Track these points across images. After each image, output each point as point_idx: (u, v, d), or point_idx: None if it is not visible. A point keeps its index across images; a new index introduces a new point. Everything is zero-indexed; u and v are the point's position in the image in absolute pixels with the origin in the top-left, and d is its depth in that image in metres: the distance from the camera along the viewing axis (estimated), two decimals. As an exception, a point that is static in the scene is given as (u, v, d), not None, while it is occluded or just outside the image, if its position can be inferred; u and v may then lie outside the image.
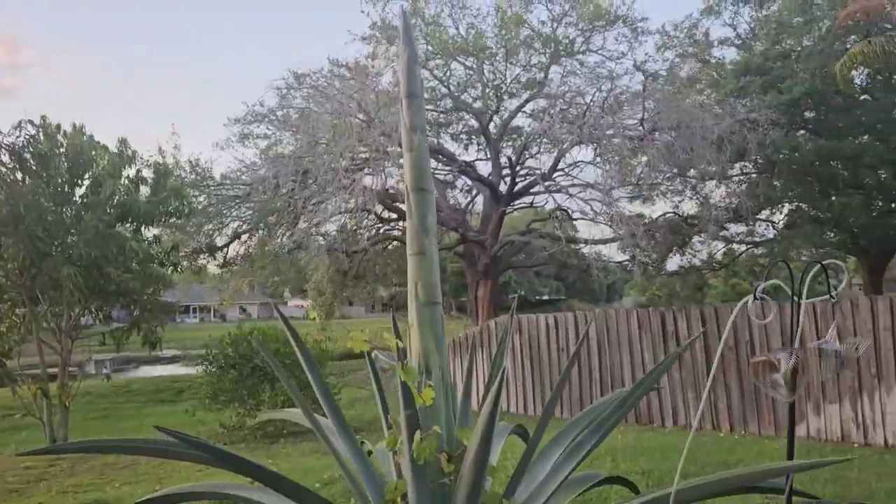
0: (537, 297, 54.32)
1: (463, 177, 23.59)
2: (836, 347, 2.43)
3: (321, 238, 17.54)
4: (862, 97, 22.18)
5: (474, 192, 25.12)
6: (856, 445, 9.08)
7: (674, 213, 23.22)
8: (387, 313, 40.41)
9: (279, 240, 19.77)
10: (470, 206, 24.46)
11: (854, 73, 16.89)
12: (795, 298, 2.76)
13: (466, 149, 25.08)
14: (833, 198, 22.06)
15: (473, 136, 24.66)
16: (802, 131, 21.68)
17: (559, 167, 20.87)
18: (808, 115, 20.73)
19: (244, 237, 19.45)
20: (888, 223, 25.48)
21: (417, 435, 2.37)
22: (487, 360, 13.66)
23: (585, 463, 3.09)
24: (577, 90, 20.21)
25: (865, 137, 21.97)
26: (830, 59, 21.16)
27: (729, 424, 10.38)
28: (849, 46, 21.16)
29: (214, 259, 19.79)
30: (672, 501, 2.09)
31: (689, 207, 24.15)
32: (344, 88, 18.97)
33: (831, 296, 2.61)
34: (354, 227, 19.29)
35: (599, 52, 21.57)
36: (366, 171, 18.57)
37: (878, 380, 9.02)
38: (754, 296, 2.57)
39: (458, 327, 36.29)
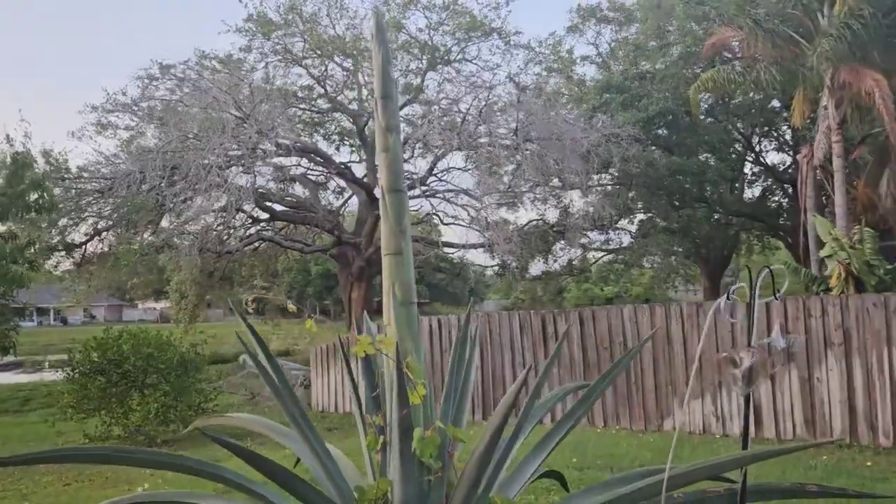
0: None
1: (335, 178, 23.39)
2: (782, 344, 2.71)
3: (190, 237, 16.73)
4: (707, 119, 24.30)
5: (346, 193, 24.98)
6: (717, 436, 9.96)
7: (540, 220, 24.26)
8: (253, 317, 39.06)
9: (142, 238, 18.65)
10: (343, 208, 24.28)
11: (701, 96, 18.43)
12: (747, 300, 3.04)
13: (338, 149, 24.91)
14: (681, 210, 23.96)
15: (346, 138, 24.53)
16: (655, 147, 23.39)
17: (434, 172, 21.20)
18: (661, 132, 22.37)
19: (104, 234, 18.16)
20: (725, 234, 28.06)
21: (418, 431, 2.41)
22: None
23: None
24: (454, 98, 20.63)
25: (709, 156, 24.10)
26: (681, 82, 23.05)
27: (603, 420, 11.02)
28: (697, 71, 23.16)
29: (71, 257, 18.32)
30: (665, 487, 2.27)
31: (553, 215, 25.39)
32: (216, 82, 18.25)
33: (776, 297, 2.90)
34: (223, 227, 18.59)
35: (474, 61, 22.16)
36: (239, 168, 17.98)
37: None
38: (727, 296, 2.82)
39: (327, 332, 35.84)
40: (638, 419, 10.76)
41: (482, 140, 19.89)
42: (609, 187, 23.64)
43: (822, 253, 11.02)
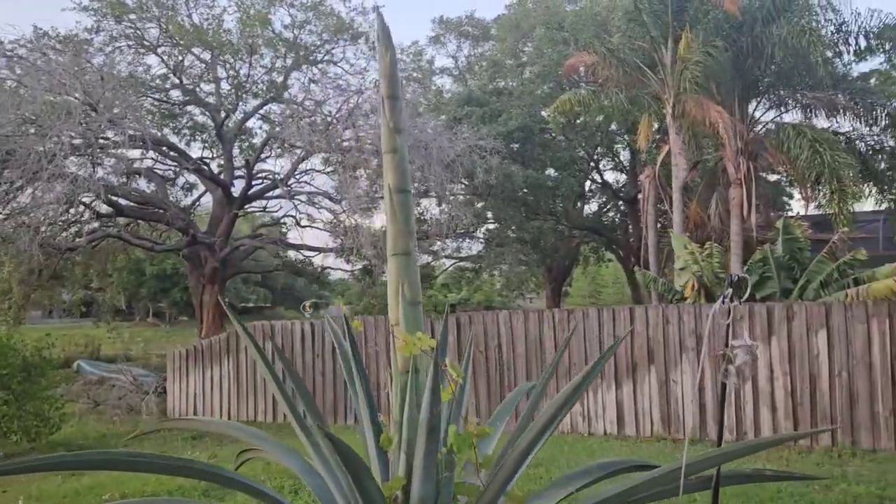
0: (243, 305, 52.59)
1: (187, 174, 22.22)
2: (749, 343, 3.03)
3: (29, 231, 15.13)
4: (557, 138, 25.74)
5: (196, 190, 23.80)
6: (584, 435, 10.63)
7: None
8: (82, 319, 35.91)
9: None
10: (195, 206, 23.10)
11: (554, 115, 19.58)
12: (722, 304, 3.34)
13: (189, 144, 23.68)
14: (532, 221, 25.17)
15: (198, 132, 23.38)
16: (510, 161, 24.44)
17: (296, 173, 20.76)
18: (518, 147, 23.39)
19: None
20: (567, 246, 29.84)
21: (454, 428, 2.45)
22: (234, 370, 13.13)
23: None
24: (319, 99, 20.34)
25: (560, 172, 25.52)
26: (536, 100, 24.28)
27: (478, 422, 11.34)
28: (548, 90, 24.56)
29: None
30: (683, 474, 2.48)
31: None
32: (60, 63, 16.73)
33: (739, 302, 3.23)
34: (65, 221, 17.07)
35: (339, 64, 22.00)
36: (83, 158, 16.61)
37: (600, 378, 10.66)
38: (723, 300, 3.09)
39: (177, 336, 33.74)
40: (512, 419, 11.17)
41: (346, 143, 19.77)
42: (463, 197, 24.33)
43: (677, 265, 12.12)
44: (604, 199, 32.06)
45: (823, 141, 15.72)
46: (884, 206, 19.47)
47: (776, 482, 6.65)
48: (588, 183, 29.87)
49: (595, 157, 29.07)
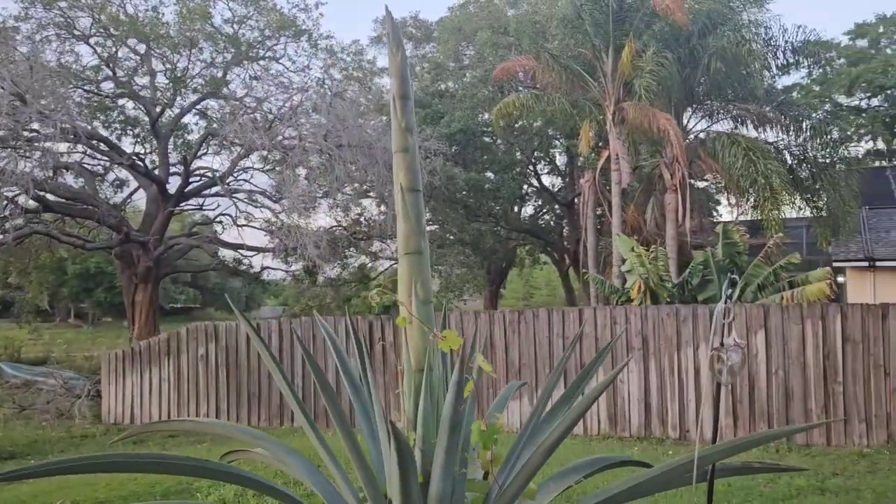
0: (171, 305, 51.01)
1: (120, 169, 21.42)
2: (740, 343, 3.17)
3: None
4: (497, 141, 26.02)
5: (127, 187, 22.96)
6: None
7: (339, 225, 24.28)
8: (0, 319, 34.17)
9: None
10: (126, 203, 22.29)
11: (500, 118, 19.77)
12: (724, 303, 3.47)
13: (119, 139, 22.83)
14: (473, 224, 25.35)
15: (130, 127, 22.57)
16: (452, 163, 24.58)
17: (234, 171, 20.32)
18: (461, 149, 23.53)
19: None
20: (505, 248, 30.18)
21: (478, 424, 2.48)
22: (174, 373, 12.75)
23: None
24: (260, 96, 19.99)
25: (500, 175, 25.79)
26: (477, 103, 24.50)
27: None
28: (487, 94, 24.80)
29: None
30: (695, 466, 2.57)
31: (349, 222, 25.53)
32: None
33: (729, 300, 3.36)
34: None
35: (280, 61, 21.66)
36: (11, 151, 15.84)
37: (536, 380, 10.84)
38: (725, 299, 3.20)
39: (106, 337, 32.45)
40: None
41: (287, 142, 19.48)
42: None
43: (624, 268, 12.45)
44: (540, 203, 32.58)
45: (756, 150, 16.45)
46: (807, 213, 20.48)
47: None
48: (525, 186, 30.30)
49: (533, 160, 29.50)
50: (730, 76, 18.69)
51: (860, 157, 27.65)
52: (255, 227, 21.42)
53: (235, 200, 19.70)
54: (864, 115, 27.27)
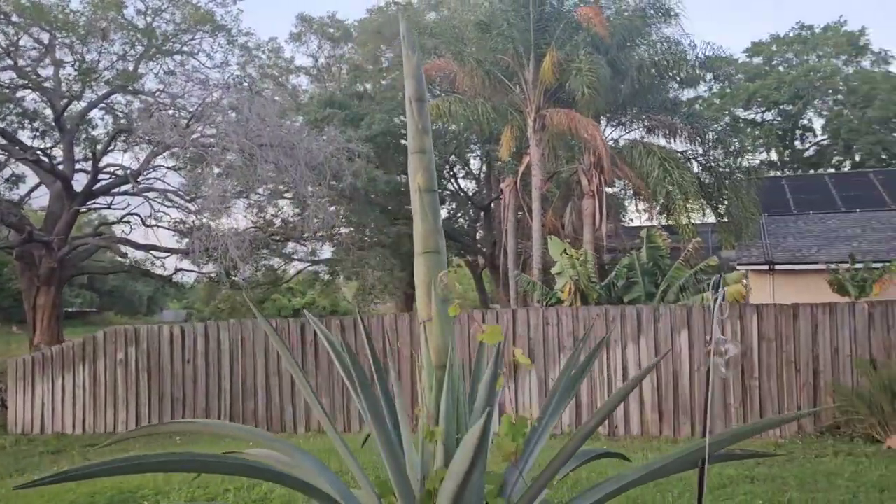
0: (65, 309, 48.25)
1: (13, 164, 20.14)
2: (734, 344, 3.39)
3: None
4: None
5: (24, 183, 21.61)
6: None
7: (255, 226, 23.73)
8: None
9: None
10: (25, 200, 20.97)
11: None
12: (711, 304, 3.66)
13: (16, 132, 21.47)
14: (392, 227, 25.35)
15: (29, 120, 21.27)
16: (372, 165, 24.51)
17: (147, 169, 19.52)
18: (381, 151, 23.49)
19: None
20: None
21: (508, 417, 2.55)
22: (90, 379, 12.13)
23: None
24: (175, 92, 19.29)
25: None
26: (397, 105, 24.53)
27: (359, 424, 11.32)
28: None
29: None
30: (707, 453, 2.74)
31: (263, 222, 25.01)
32: None
33: (716, 300, 3.56)
34: None
35: (196, 56, 20.99)
36: None
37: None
38: (714, 301, 3.38)
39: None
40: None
41: (204, 140, 18.90)
42: (327, 199, 24.08)
43: (554, 270, 12.80)
44: (455, 206, 32.94)
45: (671, 160, 17.29)
46: (711, 218, 21.68)
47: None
48: (442, 189, 30.59)
49: (449, 164, 29.82)
50: (645, 88, 19.57)
51: (755, 167, 29.53)
52: (165, 228, 20.63)
53: (148, 200, 18.87)
54: (760, 127, 29.12)
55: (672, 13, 19.66)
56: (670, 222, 18.23)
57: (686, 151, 20.97)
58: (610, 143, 20.22)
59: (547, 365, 10.79)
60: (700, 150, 21.68)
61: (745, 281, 11.77)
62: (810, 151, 32.52)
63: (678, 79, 20.95)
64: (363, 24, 28.10)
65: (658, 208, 21.39)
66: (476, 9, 25.74)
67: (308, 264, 31.07)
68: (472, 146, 29.02)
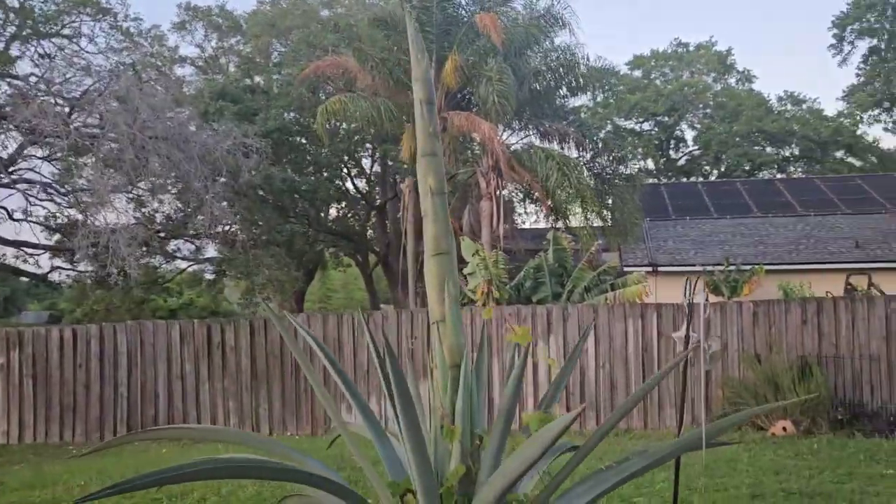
0: None
1: None
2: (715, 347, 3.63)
3: None
4: (315, 141, 25.68)
5: None
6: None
7: (138, 222, 22.50)
8: None
9: None
10: None
11: (323, 119, 19.59)
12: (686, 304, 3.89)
13: None
14: (286, 225, 24.80)
15: None
16: (268, 162, 23.87)
17: (19, 159, 18.10)
18: (276, 148, 22.91)
19: None
20: (313, 250, 29.87)
21: (538, 414, 2.65)
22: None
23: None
24: (52, 78, 17.99)
25: (308, 175, 25.52)
26: (293, 101, 24.06)
27: (269, 427, 11.08)
28: (306, 93, 24.48)
29: None
30: (704, 440, 2.95)
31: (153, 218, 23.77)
32: None
33: (689, 303, 3.82)
34: None
35: (76, 41, 19.65)
36: None
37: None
38: (689, 300, 3.61)
39: None
40: (305, 425, 11.12)
41: (86, 130, 17.75)
42: (221, 195, 23.23)
43: (466, 270, 13.01)
44: (343, 205, 32.59)
45: (568, 164, 18.00)
46: (597, 223, 22.72)
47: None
48: (335, 189, 30.23)
49: (345, 163, 29.51)
50: (539, 95, 20.26)
51: (634, 174, 31.26)
52: (36, 223, 19.16)
53: (23, 192, 17.48)
54: (639, 137, 30.85)
55: (564, 24, 20.43)
56: (569, 225, 18.97)
57: (579, 157, 21.89)
58: (511, 146, 20.79)
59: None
60: (587, 157, 22.71)
61: (645, 282, 12.48)
62: (682, 161, 34.85)
63: (570, 87, 21.74)
64: (255, 15, 27.29)
65: (554, 211, 22.12)
66: (373, 7, 25.71)
67: (192, 263, 29.83)
68: (364, 145, 28.85)
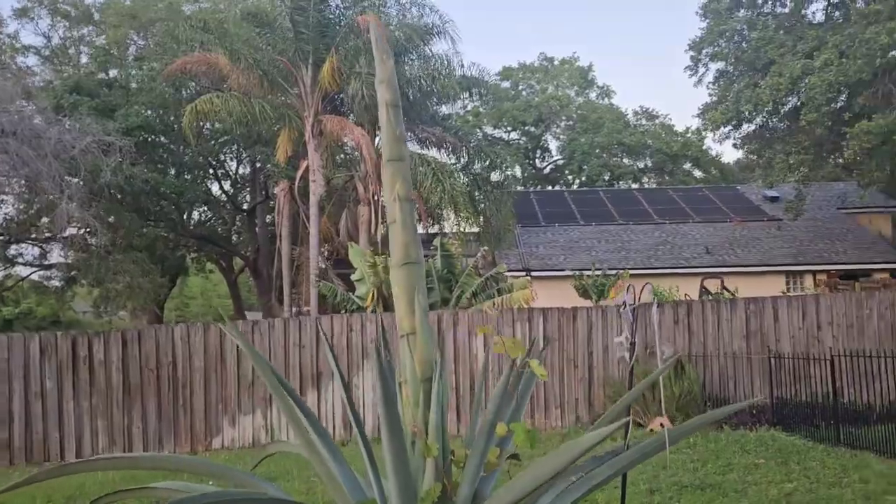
0: None
1: None
2: (668, 353, 3.75)
3: None
4: (180, 141, 24.33)
5: None
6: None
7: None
8: None
9: None
10: None
11: (192, 118, 18.59)
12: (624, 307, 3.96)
13: None
14: (146, 228, 23.31)
15: None
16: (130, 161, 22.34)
17: None
18: (140, 146, 21.51)
19: None
20: (174, 255, 28.32)
21: (521, 425, 2.59)
22: None
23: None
24: None
25: (173, 176, 24.16)
26: (159, 98, 22.73)
27: (143, 446, 10.34)
28: (171, 90, 23.18)
29: None
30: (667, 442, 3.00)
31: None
32: None
33: (627, 306, 3.92)
34: None
35: None
36: None
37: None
38: (624, 305, 3.68)
39: None
40: (185, 441, 10.47)
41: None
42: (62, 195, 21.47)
43: (355, 277, 12.73)
44: (206, 208, 31.09)
45: (443, 171, 18.18)
46: (476, 229, 23.14)
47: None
48: (203, 191, 28.82)
49: (214, 164, 28.19)
50: (417, 100, 20.34)
51: (503, 181, 32.15)
52: None
53: None
54: (508, 145, 31.70)
55: (442, 31, 20.67)
56: (443, 230, 19.15)
57: (455, 163, 22.19)
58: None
59: (351, 371, 10.78)
60: (462, 163, 23.09)
61: (531, 287, 12.81)
62: (548, 169, 36.28)
63: (444, 94, 21.96)
64: (111, 5, 25.46)
65: (430, 217, 22.26)
66: (241, 3, 24.75)
67: (36, 269, 27.37)
68: (231, 147, 27.69)
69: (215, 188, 29.35)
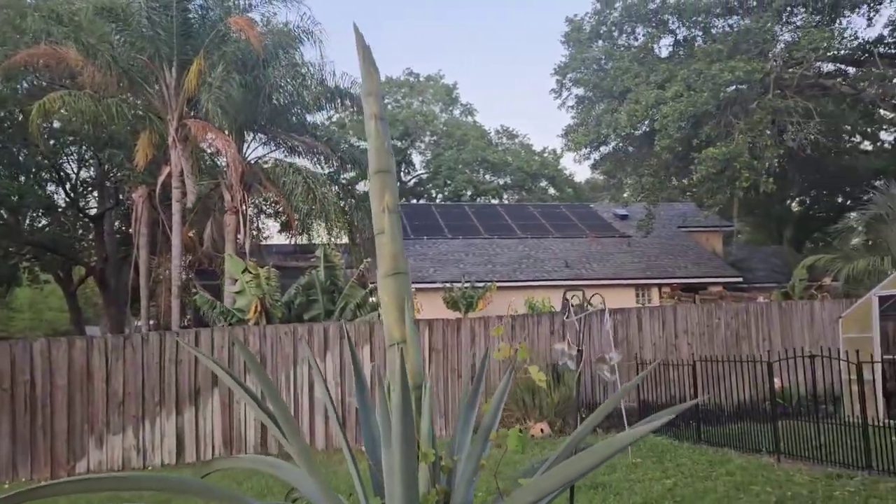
0: None
1: None
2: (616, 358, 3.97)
3: None
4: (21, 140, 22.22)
5: None
6: (139, 469, 9.82)
7: None
8: None
9: None
10: None
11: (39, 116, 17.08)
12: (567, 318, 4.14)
13: None
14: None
15: None
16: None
17: None
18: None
19: None
20: (5, 264, 25.76)
21: (515, 430, 2.68)
22: None
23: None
24: None
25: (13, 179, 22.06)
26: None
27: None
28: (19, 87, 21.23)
29: None
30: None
31: None
32: None
33: (573, 315, 4.13)
34: None
35: None
36: None
37: (160, 406, 10.10)
38: (568, 312, 3.88)
39: None
40: (44, 466, 9.60)
41: None
42: None
43: (234, 289, 12.18)
44: (42, 212, 28.48)
45: (315, 179, 17.93)
46: (344, 239, 22.95)
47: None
48: (41, 194, 26.41)
49: (47, 166, 25.89)
50: (285, 108, 19.96)
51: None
52: None
53: None
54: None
55: (309, 38, 20.39)
56: (312, 241, 18.85)
57: (328, 173, 21.97)
58: (259, 159, 20.13)
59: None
60: (331, 171, 22.93)
61: (417, 299, 12.92)
62: (411, 183, 36.70)
63: (313, 102, 21.61)
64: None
65: (301, 226, 21.79)
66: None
67: None
68: (71, 147, 25.61)
69: (65, 191, 27.00)
